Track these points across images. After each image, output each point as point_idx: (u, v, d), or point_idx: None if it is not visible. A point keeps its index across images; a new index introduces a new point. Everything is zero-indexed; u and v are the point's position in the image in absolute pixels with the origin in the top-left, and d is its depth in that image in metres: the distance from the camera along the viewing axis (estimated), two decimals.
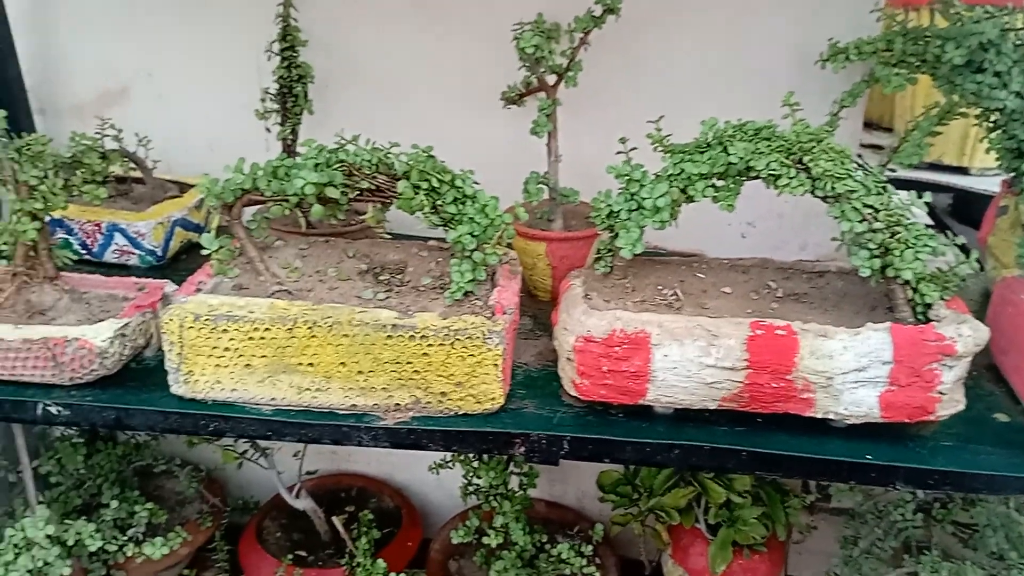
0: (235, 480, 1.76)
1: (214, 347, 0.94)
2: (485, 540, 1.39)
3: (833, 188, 0.86)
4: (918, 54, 1.04)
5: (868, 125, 1.70)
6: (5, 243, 1.02)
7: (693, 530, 1.45)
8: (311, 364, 0.94)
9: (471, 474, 1.48)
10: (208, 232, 1.00)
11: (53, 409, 0.98)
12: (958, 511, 1.39)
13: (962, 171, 1.74)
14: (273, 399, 0.97)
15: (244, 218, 1.05)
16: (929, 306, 0.89)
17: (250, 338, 0.94)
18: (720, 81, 1.37)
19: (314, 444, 0.99)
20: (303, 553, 1.56)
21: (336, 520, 1.50)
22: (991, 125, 1.05)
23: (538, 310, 1.23)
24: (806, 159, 0.88)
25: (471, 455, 1.46)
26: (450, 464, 1.49)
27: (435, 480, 1.64)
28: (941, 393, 0.86)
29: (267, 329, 0.93)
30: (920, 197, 0.89)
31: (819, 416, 0.90)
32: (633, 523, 1.47)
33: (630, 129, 1.04)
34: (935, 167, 1.79)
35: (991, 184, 1.48)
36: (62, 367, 0.97)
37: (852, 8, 1.28)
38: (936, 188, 1.67)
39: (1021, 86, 0.99)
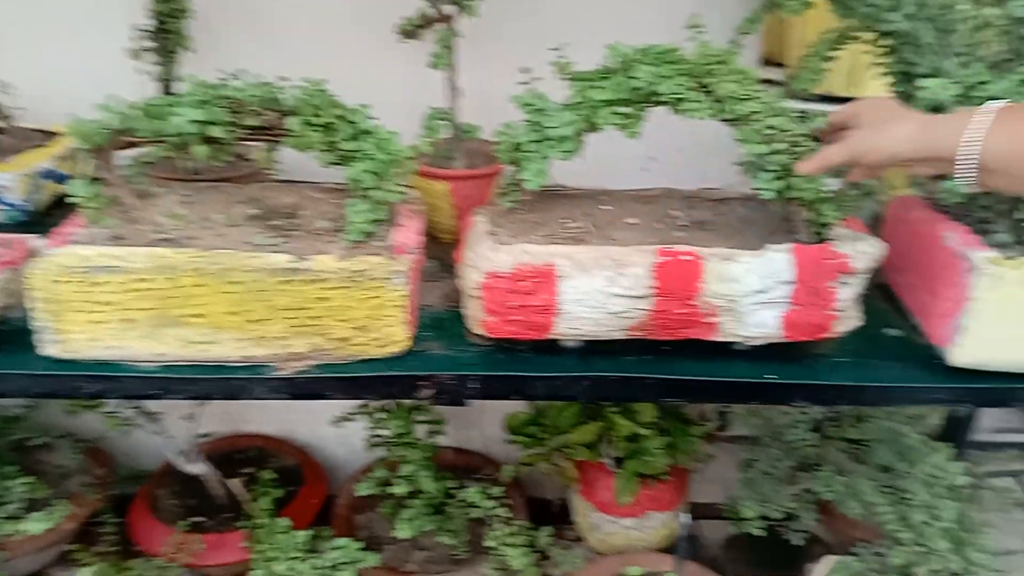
0: (123, 449, 1.65)
1: (88, 301, 0.86)
2: (392, 490, 1.36)
3: (735, 111, 0.86)
4: None
5: (762, 61, 1.72)
6: None
7: (600, 465, 1.46)
8: (199, 315, 0.88)
9: (376, 425, 1.44)
10: (77, 178, 0.91)
11: None
12: (849, 428, 1.46)
13: (852, 101, 1.79)
14: (159, 354, 0.90)
15: (120, 163, 0.96)
16: (827, 226, 0.91)
17: (129, 290, 0.86)
18: (622, 8, 1.35)
19: (207, 401, 0.93)
20: (200, 519, 1.49)
21: (233, 482, 1.44)
22: (883, 49, 1.07)
23: (442, 252, 1.20)
24: (710, 81, 0.87)
25: (375, 405, 1.42)
26: (353, 417, 1.45)
27: (338, 435, 1.60)
28: (839, 310, 0.88)
29: (148, 279, 0.86)
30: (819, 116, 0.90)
31: (724, 340, 0.91)
32: (541, 463, 1.48)
33: (531, 62, 1.01)
34: (825, 99, 1.84)
35: None
36: None
37: None
38: None
39: (912, 8, 1.01)
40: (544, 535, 1.50)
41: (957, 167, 0.73)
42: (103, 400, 1.38)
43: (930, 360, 0.95)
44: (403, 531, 1.37)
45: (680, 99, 0.87)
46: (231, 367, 0.91)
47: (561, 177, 1.34)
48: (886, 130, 0.79)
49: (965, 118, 0.73)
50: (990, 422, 2.12)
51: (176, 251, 0.88)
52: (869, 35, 1.08)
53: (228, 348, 0.90)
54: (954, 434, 1.71)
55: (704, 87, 0.88)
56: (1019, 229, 0.92)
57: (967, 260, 0.87)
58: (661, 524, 1.47)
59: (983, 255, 0.86)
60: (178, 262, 0.86)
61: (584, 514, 1.51)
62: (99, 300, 0.86)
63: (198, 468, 1.47)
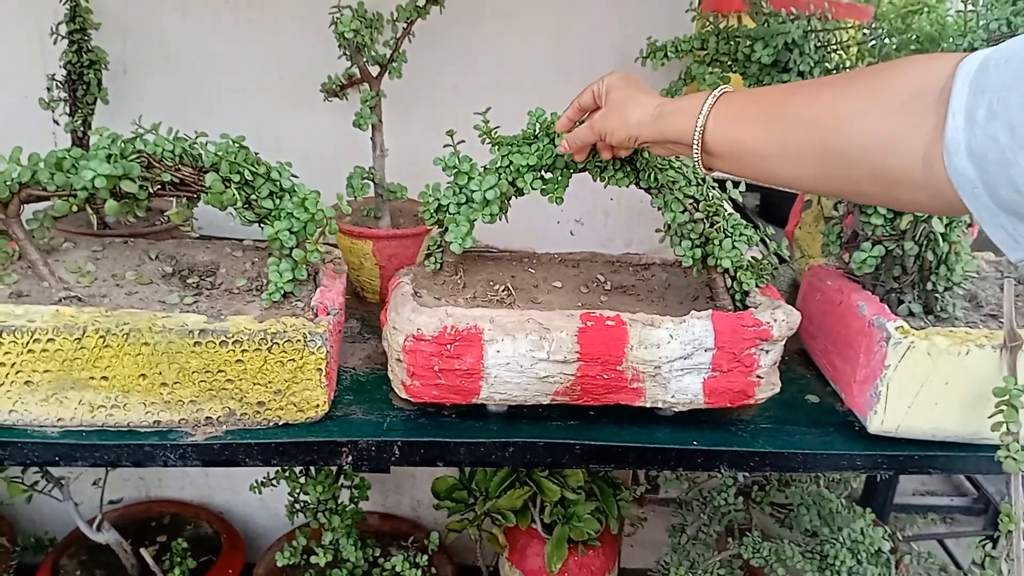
0: (27, 515, 1.56)
1: None
2: (313, 559, 1.31)
3: (656, 179, 0.87)
4: (730, 53, 1.09)
5: None
6: None
7: (529, 530, 1.44)
8: (105, 378, 0.84)
9: (297, 490, 1.39)
10: None
11: None
12: (775, 492, 1.47)
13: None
14: (60, 419, 0.85)
15: (24, 216, 0.92)
16: (747, 294, 0.93)
17: (30, 350, 0.82)
18: (545, 76, 1.37)
19: (113, 468, 0.88)
20: None
21: (144, 552, 1.36)
22: None
23: (366, 312, 1.18)
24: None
25: (296, 470, 1.37)
26: (274, 482, 1.39)
27: (259, 500, 1.54)
28: (759, 377, 0.89)
29: (50, 340, 0.82)
30: (736, 187, 0.92)
31: (648, 405, 0.91)
32: (469, 528, 1.44)
33: (458, 123, 1.02)
34: None
35: None
36: None
37: (670, 9, 1.32)
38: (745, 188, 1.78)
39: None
40: None
41: (693, 151, 0.73)
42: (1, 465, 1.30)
43: (849, 427, 0.96)
44: None
45: (602, 167, 0.88)
46: (139, 432, 0.87)
47: (491, 237, 1.35)
48: (625, 113, 0.80)
49: (696, 104, 0.73)
50: (912, 485, 2.16)
51: (81, 311, 0.84)
52: None
53: (136, 413, 0.86)
54: (876, 497, 1.74)
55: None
56: (929, 299, 0.95)
57: (880, 330, 0.89)
58: None
59: (895, 325, 0.88)
60: (83, 321, 0.83)
61: None
62: None
63: (107, 537, 1.39)
